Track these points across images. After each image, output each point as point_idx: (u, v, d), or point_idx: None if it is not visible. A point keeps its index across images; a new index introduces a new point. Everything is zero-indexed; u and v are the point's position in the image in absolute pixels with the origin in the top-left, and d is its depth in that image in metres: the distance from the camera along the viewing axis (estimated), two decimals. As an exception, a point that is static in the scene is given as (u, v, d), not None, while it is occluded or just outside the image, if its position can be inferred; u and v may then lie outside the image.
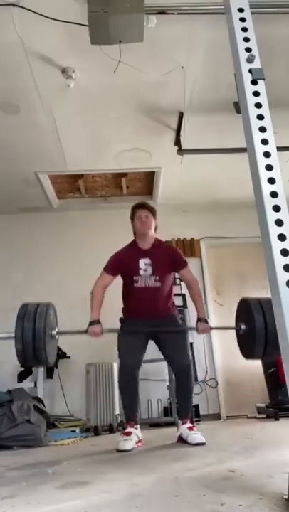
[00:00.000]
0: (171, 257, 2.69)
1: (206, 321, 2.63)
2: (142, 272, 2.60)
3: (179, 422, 2.51)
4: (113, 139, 3.89)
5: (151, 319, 2.57)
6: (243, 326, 2.41)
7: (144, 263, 2.62)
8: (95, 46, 2.63)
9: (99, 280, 2.66)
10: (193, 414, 3.92)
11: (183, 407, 2.56)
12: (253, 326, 2.26)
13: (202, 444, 2.19)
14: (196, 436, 2.27)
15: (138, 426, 2.45)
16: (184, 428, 2.38)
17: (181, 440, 2.36)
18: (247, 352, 2.46)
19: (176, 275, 3.03)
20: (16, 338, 2.28)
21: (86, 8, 2.41)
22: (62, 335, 2.57)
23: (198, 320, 2.62)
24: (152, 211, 2.74)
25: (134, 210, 2.77)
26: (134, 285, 2.60)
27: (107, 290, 2.68)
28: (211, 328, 2.70)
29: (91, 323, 2.51)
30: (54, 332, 2.42)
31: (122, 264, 2.66)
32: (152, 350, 2.68)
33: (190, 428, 2.37)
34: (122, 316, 2.76)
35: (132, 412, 2.48)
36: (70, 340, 4.47)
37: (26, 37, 2.72)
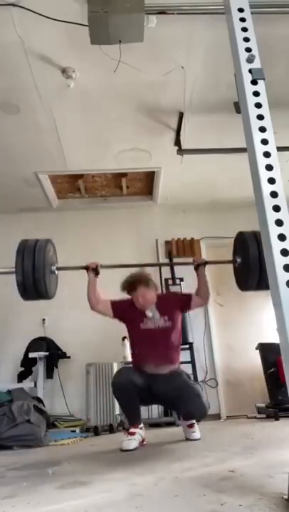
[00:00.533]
0: (175, 301, 2.73)
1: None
2: (150, 315, 2.59)
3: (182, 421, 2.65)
4: (113, 139, 3.89)
5: (157, 374, 2.49)
6: (238, 259, 2.50)
7: (150, 310, 2.61)
8: (95, 46, 2.63)
9: (101, 299, 2.69)
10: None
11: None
12: (247, 258, 2.34)
13: (197, 439, 2.46)
14: (194, 434, 2.52)
15: (142, 426, 2.48)
16: (184, 426, 2.61)
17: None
18: (242, 283, 2.57)
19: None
20: (17, 270, 2.33)
21: (86, 8, 2.41)
22: (61, 270, 2.68)
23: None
24: (152, 285, 2.66)
25: (131, 285, 2.63)
26: (142, 327, 2.57)
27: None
28: (207, 262, 2.83)
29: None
30: (53, 268, 2.48)
31: (126, 314, 2.64)
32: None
33: (190, 426, 2.56)
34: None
35: (134, 417, 2.49)
36: (70, 341, 4.48)
37: (26, 37, 2.72)
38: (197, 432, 2.55)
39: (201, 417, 2.54)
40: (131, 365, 2.73)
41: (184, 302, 2.71)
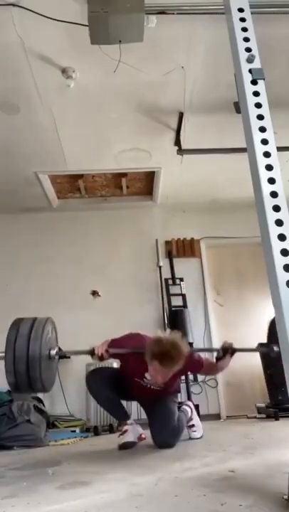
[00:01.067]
0: (181, 372, 2.35)
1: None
2: (147, 381, 2.30)
3: None
4: (113, 139, 3.89)
5: (144, 398, 2.46)
6: (276, 348, 2.09)
7: (150, 377, 2.26)
8: (95, 46, 2.63)
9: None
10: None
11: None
12: None
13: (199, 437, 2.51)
14: (194, 434, 2.55)
15: (132, 421, 2.42)
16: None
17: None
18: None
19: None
20: (7, 367, 1.90)
21: (86, 8, 2.41)
22: (62, 356, 2.30)
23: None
24: (175, 366, 2.09)
25: (153, 358, 2.09)
26: (137, 382, 2.32)
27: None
28: (235, 349, 2.38)
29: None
30: (53, 352, 2.08)
31: (125, 365, 2.40)
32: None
33: (191, 426, 2.57)
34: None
35: (119, 414, 2.44)
36: (70, 341, 4.49)
37: (26, 37, 2.72)
38: (198, 431, 2.56)
39: (165, 447, 2.26)
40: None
41: (191, 371, 2.71)
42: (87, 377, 2.46)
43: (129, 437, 2.25)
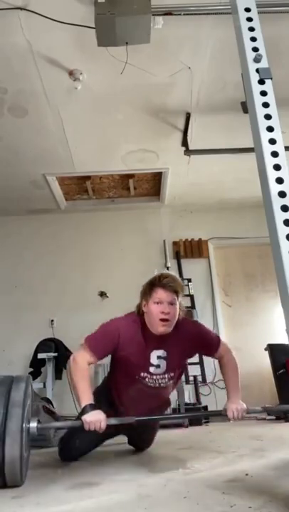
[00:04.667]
0: (196, 343, 1.96)
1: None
2: (152, 370, 1.87)
3: None
4: (120, 140, 3.90)
5: (130, 426, 1.90)
6: None
7: (156, 356, 1.87)
8: (101, 48, 2.64)
9: (81, 357, 1.81)
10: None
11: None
12: None
13: None
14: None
15: None
16: None
17: None
18: None
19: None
20: None
21: (93, 11, 2.42)
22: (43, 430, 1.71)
23: (230, 401, 1.83)
24: (180, 292, 1.90)
25: (153, 287, 1.87)
26: (138, 381, 1.89)
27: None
28: (248, 412, 1.83)
29: (84, 410, 1.66)
30: (33, 426, 1.57)
31: (123, 350, 1.85)
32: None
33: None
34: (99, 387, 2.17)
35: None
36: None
37: (34, 40, 2.74)
38: None
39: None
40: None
41: (208, 350, 1.99)
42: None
43: None
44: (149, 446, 2.26)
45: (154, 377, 1.89)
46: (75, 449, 2.00)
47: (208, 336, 1.98)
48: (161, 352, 1.88)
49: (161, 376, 1.90)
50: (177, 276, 1.93)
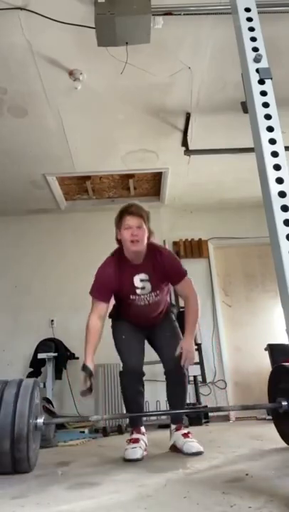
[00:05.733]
0: (167, 269, 2.22)
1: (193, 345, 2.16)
2: (139, 291, 2.19)
3: (172, 427, 2.20)
4: (120, 140, 3.90)
5: (147, 327, 2.34)
6: (284, 403, 1.92)
7: (139, 279, 2.19)
8: (101, 48, 2.64)
9: (92, 310, 2.19)
10: (202, 416, 3.90)
11: (176, 410, 2.25)
12: None
13: (199, 453, 1.95)
14: (192, 444, 2.00)
15: (144, 431, 2.24)
16: (178, 435, 2.11)
17: (175, 449, 2.10)
18: None
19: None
20: None
21: (93, 11, 2.42)
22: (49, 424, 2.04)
23: (185, 341, 2.10)
24: (146, 218, 2.22)
25: (122, 215, 2.21)
26: (131, 303, 2.23)
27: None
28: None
29: (83, 367, 2.04)
30: (40, 421, 1.85)
31: (113, 286, 2.20)
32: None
33: (185, 435, 2.08)
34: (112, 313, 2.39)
35: (138, 417, 2.26)
36: (79, 342, 4.50)
37: (34, 40, 2.74)
38: (196, 442, 2.03)
39: (178, 373, 2.13)
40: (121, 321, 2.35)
41: (175, 278, 2.24)
42: (124, 351, 2.27)
43: (139, 453, 1.99)
44: (179, 364, 2.07)
45: (142, 297, 2.20)
46: (132, 355, 2.21)
47: (178, 265, 2.27)
48: (142, 275, 2.19)
49: (148, 295, 2.20)
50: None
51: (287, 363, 2.11)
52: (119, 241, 2.27)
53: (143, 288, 2.19)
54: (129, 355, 2.21)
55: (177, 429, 2.16)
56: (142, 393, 2.23)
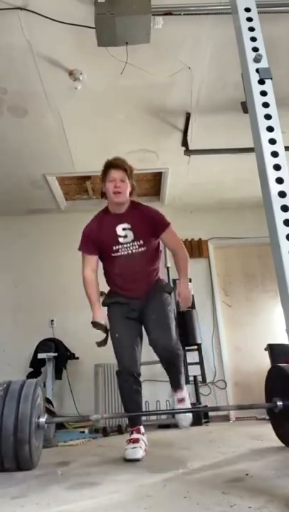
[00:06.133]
0: (150, 219, 2.30)
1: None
2: (121, 240, 2.24)
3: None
4: (120, 140, 3.90)
5: (139, 298, 2.26)
6: (279, 403, 1.94)
7: (122, 228, 2.25)
8: (101, 48, 2.64)
9: (83, 265, 2.35)
10: (202, 416, 3.89)
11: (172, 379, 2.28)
12: None
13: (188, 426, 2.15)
14: (182, 417, 2.19)
15: (144, 431, 2.21)
16: (174, 400, 2.26)
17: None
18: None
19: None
20: None
21: (93, 11, 2.42)
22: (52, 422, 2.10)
23: (182, 285, 2.26)
24: (128, 171, 2.30)
25: (106, 170, 2.33)
26: (115, 255, 2.25)
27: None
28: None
29: (94, 324, 2.25)
30: (42, 420, 1.91)
31: (97, 236, 2.29)
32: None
33: (179, 401, 2.22)
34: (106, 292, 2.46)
35: (137, 417, 2.24)
36: (79, 342, 4.50)
37: (34, 40, 2.74)
38: (187, 413, 2.19)
39: (168, 355, 2.16)
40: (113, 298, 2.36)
41: (158, 227, 2.30)
42: (119, 351, 2.25)
43: (139, 453, 1.99)
44: (170, 343, 2.14)
45: (125, 245, 2.24)
46: (125, 352, 2.19)
47: (161, 215, 2.35)
48: (125, 225, 2.25)
49: (131, 244, 2.23)
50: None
51: (282, 364, 2.14)
52: (103, 194, 2.38)
53: (125, 236, 2.24)
54: (123, 354, 2.19)
55: (174, 392, 2.24)
56: (139, 392, 2.21)
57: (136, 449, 2.02)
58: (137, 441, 2.09)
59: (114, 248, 2.25)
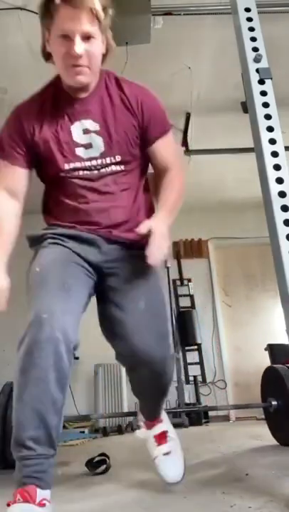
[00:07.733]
0: (140, 112, 1.32)
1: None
2: (81, 152, 1.22)
3: (141, 423, 1.46)
4: (120, 141, 3.90)
5: (116, 240, 1.27)
6: (274, 402, 1.97)
7: (82, 130, 1.23)
8: (101, 48, 2.64)
9: None
10: (202, 416, 3.89)
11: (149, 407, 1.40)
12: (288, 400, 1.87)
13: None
14: (169, 463, 1.33)
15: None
16: (149, 438, 1.40)
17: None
18: (283, 435, 1.99)
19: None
20: None
21: (93, 11, 2.42)
22: None
23: (157, 217, 1.27)
24: (100, 13, 1.19)
25: (52, 4, 1.20)
26: (67, 178, 1.24)
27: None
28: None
29: None
30: None
31: (33, 136, 1.25)
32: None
33: (160, 437, 1.37)
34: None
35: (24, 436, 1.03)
36: (81, 343, 4.50)
37: (34, 40, 2.73)
38: (176, 459, 1.34)
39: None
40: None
41: (151, 129, 1.31)
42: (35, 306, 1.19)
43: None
44: (166, 356, 1.21)
45: (88, 163, 1.21)
46: (44, 282, 1.21)
47: (160, 108, 1.39)
48: (88, 123, 1.23)
49: (101, 161, 1.23)
50: None
51: (277, 365, 2.17)
52: (48, 55, 1.34)
53: (89, 146, 1.22)
54: (45, 294, 1.17)
55: (151, 424, 1.39)
56: (65, 384, 1.11)
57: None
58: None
59: (66, 166, 1.22)
